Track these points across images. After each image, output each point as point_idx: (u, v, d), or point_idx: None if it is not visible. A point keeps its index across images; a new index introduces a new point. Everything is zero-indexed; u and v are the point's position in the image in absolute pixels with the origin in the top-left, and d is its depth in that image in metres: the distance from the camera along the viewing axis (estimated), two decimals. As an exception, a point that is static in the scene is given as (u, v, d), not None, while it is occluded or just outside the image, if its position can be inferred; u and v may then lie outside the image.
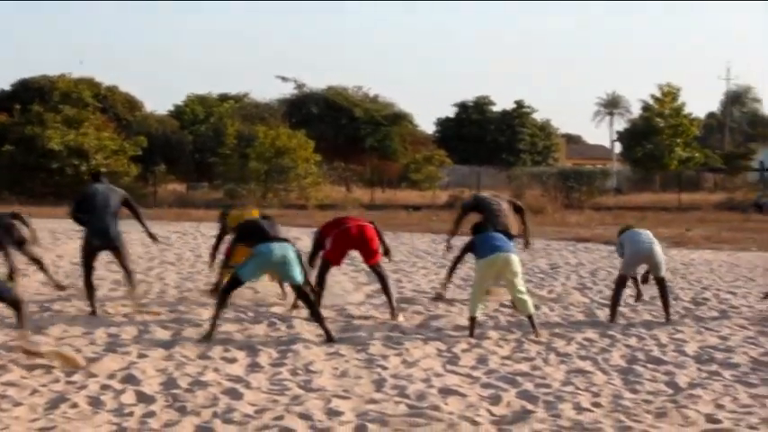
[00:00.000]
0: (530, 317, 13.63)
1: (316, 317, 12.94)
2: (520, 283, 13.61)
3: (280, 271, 12.86)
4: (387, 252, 15.30)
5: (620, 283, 15.17)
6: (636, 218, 40.30)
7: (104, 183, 15.49)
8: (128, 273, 14.95)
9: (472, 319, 13.49)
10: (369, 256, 14.97)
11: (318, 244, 15.26)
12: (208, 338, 12.67)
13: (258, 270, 12.92)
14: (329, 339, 12.79)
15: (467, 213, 17.10)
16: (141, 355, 11.78)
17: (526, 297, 13.63)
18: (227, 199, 50.17)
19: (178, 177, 62.47)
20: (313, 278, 14.18)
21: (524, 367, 11.62)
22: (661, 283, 15.14)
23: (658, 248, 15.15)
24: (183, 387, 10.26)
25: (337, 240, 14.84)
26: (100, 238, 14.76)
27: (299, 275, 12.74)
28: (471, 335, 13.34)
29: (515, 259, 13.59)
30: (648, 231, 15.52)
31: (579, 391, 10.42)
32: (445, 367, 11.57)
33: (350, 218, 15.55)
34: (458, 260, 16.03)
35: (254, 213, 15.92)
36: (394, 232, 31.17)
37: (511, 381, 10.87)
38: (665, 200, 54.48)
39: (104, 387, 10.25)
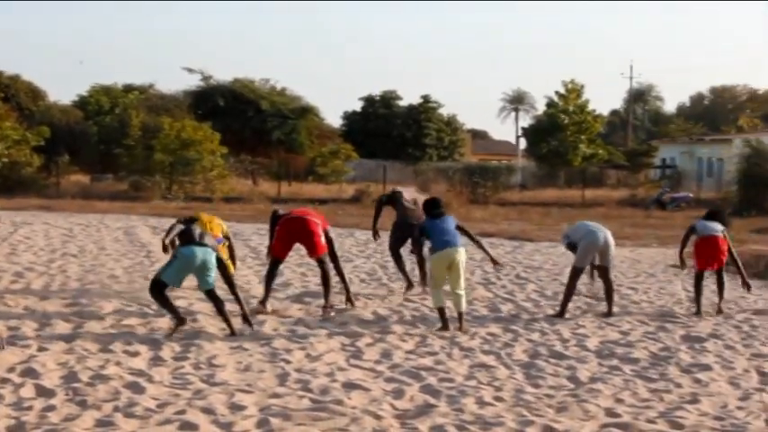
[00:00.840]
0: (460, 314, 13.72)
1: (222, 314, 12.91)
2: (461, 280, 13.77)
3: (198, 274, 12.81)
4: (337, 268, 15.44)
5: (574, 276, 15.30)
6: (540, 213, 40.73)
7: None
8: None
9: (440, 310, 13.64)
10: (311, 250, 14.98)
11: (273, 225, 15.33)
12: (181, 325, 12.76)
13: (180, 273, 12.83)
14: (233, 334, 12.77)
15: (383, 206, 17.29)
16: (41, 349, 11.64)
17: (463, 293, 13.76)
18: (132, 191, 49.65)
19: (82, 169, 61.70)
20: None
21: (428, 362, 11.67)
22: (607, 273, 15.33)
23: (611, 238, 15.32)
24: (84, 381, 10.16)
25: (280, 232, 14.88)
26: None
27: (212, 281, 12.77)
28: (446, 326, 13.47)
29: (463, 252, 13.84)
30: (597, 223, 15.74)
31: (482, 386, 10.50)
32: (349, 361, 11.59)
33: (306, 210, 15.59)
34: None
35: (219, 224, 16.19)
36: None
37: (414, 375, 10.91)
38: (569, 196, 55.01)
39: (3, 381, 10.11)
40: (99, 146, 60.93)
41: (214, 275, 12.82)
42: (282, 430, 8.56)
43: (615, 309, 15.82)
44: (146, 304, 14.92)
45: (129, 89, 72.16)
